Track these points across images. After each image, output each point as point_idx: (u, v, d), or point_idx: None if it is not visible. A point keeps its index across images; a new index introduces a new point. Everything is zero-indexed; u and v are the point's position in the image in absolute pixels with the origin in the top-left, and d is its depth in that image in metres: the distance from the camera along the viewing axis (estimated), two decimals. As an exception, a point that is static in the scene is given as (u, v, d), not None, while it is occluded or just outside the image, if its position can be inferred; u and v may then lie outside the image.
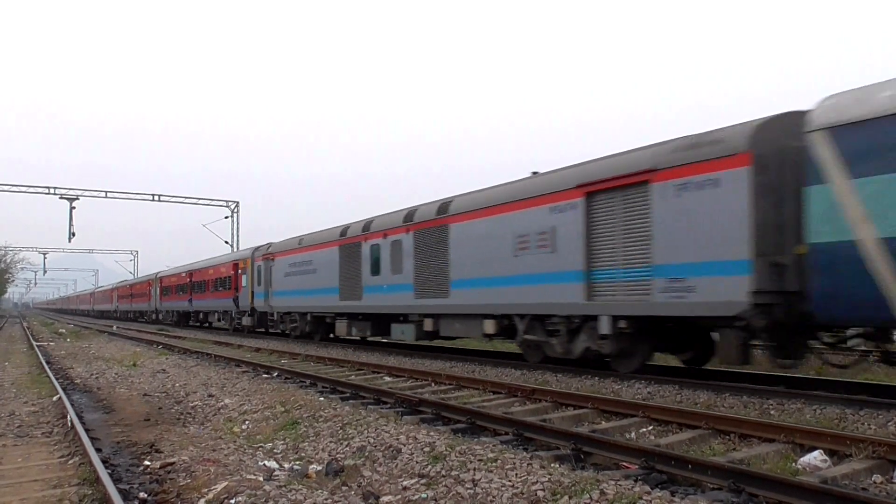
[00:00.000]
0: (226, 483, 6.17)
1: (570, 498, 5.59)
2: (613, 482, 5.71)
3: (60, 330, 46.53)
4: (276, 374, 15.09)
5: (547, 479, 6.08)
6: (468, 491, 6.15)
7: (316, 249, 23.75)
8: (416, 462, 7.08)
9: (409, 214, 18.38)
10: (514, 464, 6.59)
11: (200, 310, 39.23)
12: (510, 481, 6.20)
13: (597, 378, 12.78)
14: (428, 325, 17.66)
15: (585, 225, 12.62)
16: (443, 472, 6.66)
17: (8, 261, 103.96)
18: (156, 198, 51.35)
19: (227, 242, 51.72)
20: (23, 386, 15.27)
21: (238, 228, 52.64)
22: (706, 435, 7.88)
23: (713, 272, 10.32)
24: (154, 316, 52.11)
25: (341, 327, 22.30)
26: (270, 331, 29.79)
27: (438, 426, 8.81)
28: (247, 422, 10.20)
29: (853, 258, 8.43)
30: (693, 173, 10.65)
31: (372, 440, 8.01)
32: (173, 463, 7.23)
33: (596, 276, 12.53)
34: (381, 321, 20.39)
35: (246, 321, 31.12)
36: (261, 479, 6.55)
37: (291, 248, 25.94)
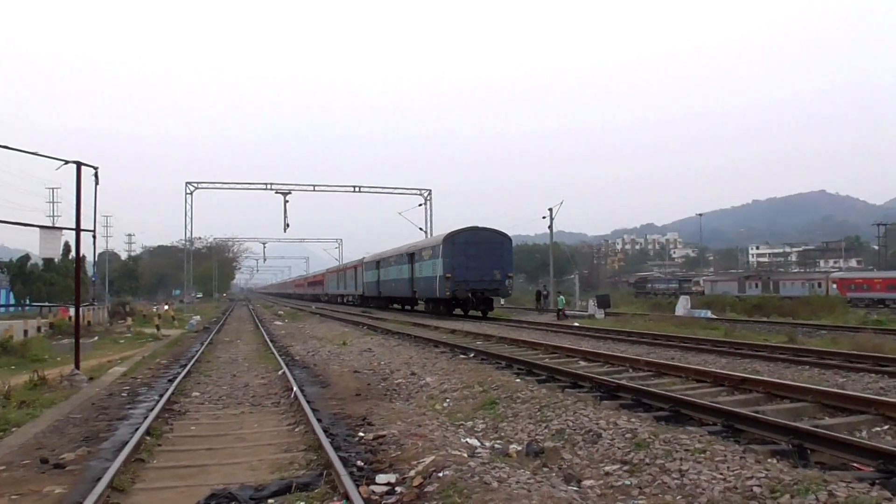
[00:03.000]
0: (433, 457, 6.47)
1: (792, 497, 5.16)
2: (844, 484, 5.19)
3: (279, 312, 51.65)
4: (472, 354, 15.53)
5: (764, 474, 5.67)
6: (675, 481, 5.91)
7: (334, 273, 68.68)
8: (618, 448, 6.94)
9: (354, 263, 58.07)
10: (725, 456, 6.22)
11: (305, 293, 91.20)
12: (721, 474, 5.86)
13: (816, 369, 11.68)
14: (357, 299, 55.43)
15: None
16: (647, 460, 6.46)
17: (235, 250, 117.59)
18: (357, 189, 54.95)
19: (421, 229, 54.03)
20: (253, 361, 17.19)
21: (431, 215, 54.79)
22: (958, 437, 6.88)
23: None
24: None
25: (345, 299, 61.97)
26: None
27: (639, 412, 8.55)
28: (447, 400, 10.62)
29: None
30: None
31: (571, 423, 7.98)
32: (384, 436, 7.72)
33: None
34: (346, 299, 61.60)
35: (329, 298, 71.72)
36: (465, 455, 6.79)
37: (335, 269, 70.30)
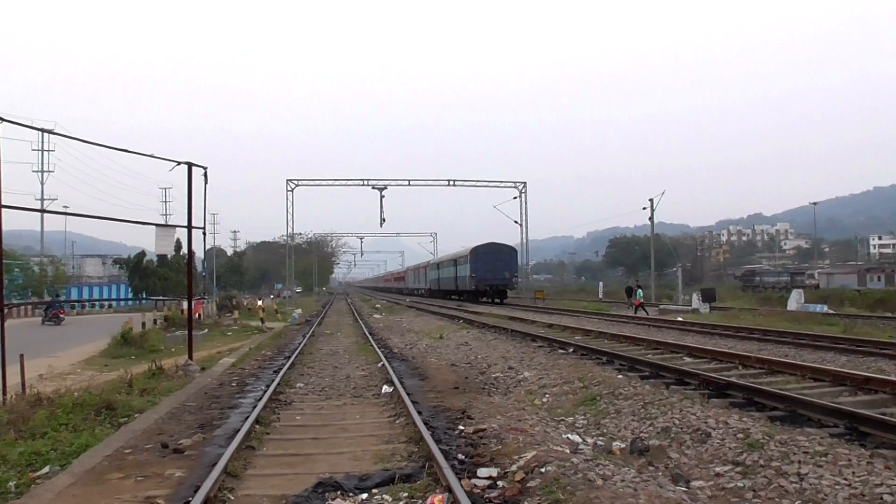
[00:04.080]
0: (534, 452, 6.38)
1: (930, 507, 4.75)
2: None
3: (376, 305, 52.79)
4: (571, 349, 15.29)
5: (894, 481, 5.25)
6: (793, 485, 5.58)
7: (412, 271, 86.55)
8: (729, 448, 6.62)
9: (424, 265, 77.98)
10: (850, 460, 5.82)
11: (408, 286, 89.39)
12: (846, 479, 5.49)
13: (951, 369, 10.74)
14: (426, 292, 70.36)
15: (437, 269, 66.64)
16: (761, 462, 6.13)
17: (333, 245, 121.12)
18: (451, 183, 55.31)
19: (516, 222, 53.80)
20: (353, 353, 17.62)
21: (526, 208, 54.45)
22: None
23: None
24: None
25: (418, 291, 76.50)
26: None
27: (751, 412, 8.13)
28: (547, 395, 10.49)
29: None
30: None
31: (677, 421, 7.69)
32: (484, 429, 7.69)
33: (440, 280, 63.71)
34: (419, 291, 75.99)
35: (409, 291, 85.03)
36: (567, 451, 6.67)
37: (413, 268, 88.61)
